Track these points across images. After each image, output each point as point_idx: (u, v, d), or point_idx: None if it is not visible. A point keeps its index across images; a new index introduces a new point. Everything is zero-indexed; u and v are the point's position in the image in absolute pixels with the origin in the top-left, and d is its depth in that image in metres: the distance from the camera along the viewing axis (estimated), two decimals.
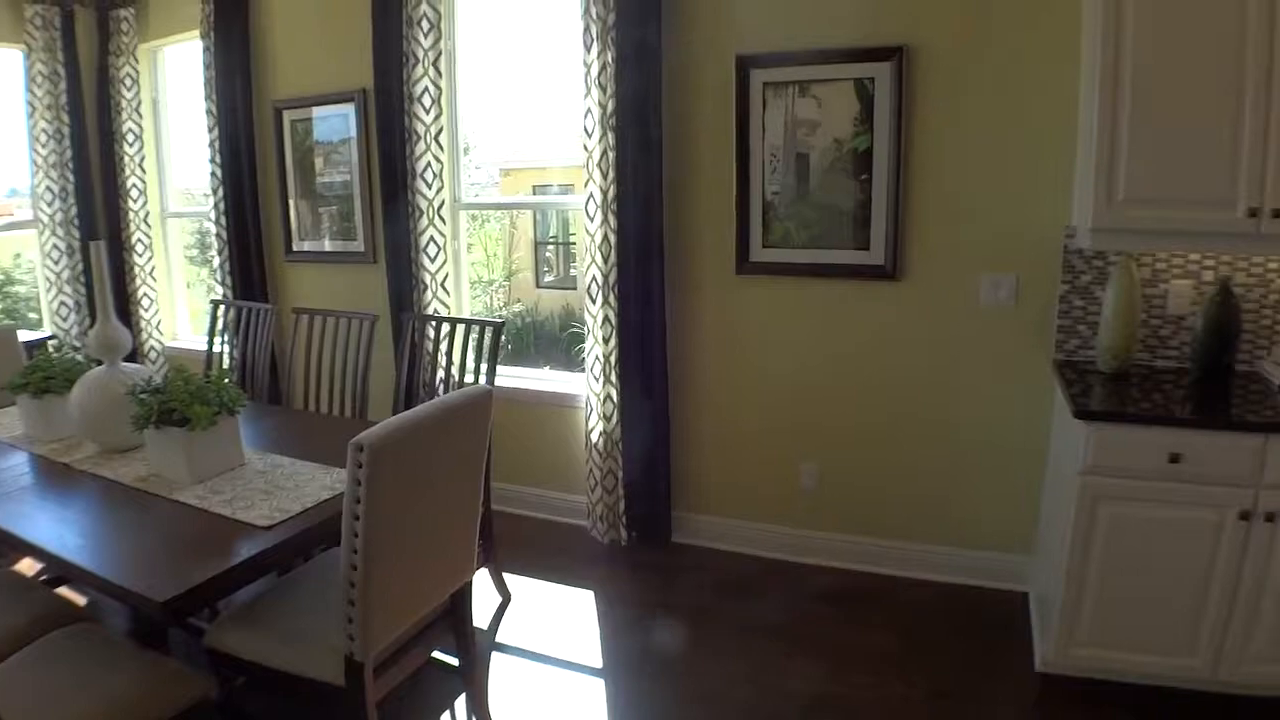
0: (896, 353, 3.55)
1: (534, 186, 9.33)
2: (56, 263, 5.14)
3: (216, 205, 4.86)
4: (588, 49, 3.62)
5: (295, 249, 4.81)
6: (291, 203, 4.76)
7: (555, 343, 8.05)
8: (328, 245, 4.69)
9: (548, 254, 9.89)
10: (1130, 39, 2.73)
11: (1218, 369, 3.02)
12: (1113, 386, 2.95)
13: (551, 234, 9.80)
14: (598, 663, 3.15)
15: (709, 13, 3.56)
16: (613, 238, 3.71)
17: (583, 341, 3.95)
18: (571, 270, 9.49)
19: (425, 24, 3.95)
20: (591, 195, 3.73)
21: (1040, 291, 3.30)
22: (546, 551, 3.99)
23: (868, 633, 3.28)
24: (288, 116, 4.64)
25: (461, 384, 3.50)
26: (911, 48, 3.29)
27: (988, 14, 3.22)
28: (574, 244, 9.27)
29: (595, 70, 3.61)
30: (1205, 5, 2.67)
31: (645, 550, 3.98)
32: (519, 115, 7.66)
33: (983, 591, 3.55)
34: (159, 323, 5.51)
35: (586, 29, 3.61)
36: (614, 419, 3.87)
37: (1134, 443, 2.66)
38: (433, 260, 4.20)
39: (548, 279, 9.71)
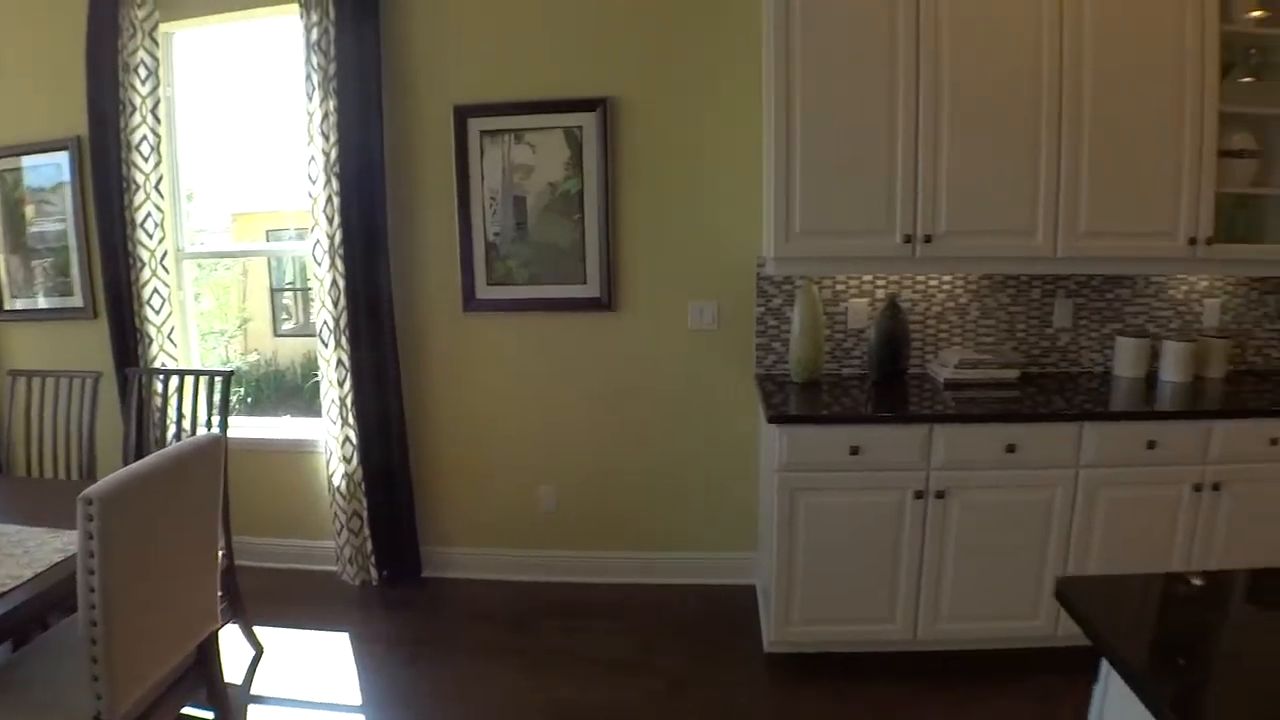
0: (618, 376, 3.83)
1: (267, 231, 9.04)
2: None
3: None
4: (310, 98, 3.68)
5: (7, 308, 4.50)
6: (1, 258, 4.46)
7: (297, 391, 7.83)
8: (43, 302, 4.42)
9: (285, 300, 9.59)
10: (799, 96, 3.18)
11: (893, 373, 3.49)
12: (805, 394, 3.35)
13: (288, 280, 9.52)
14: (357, 700, 3.17)
15: (428, 65, 3.73)
16: (341, 282, 3.78)
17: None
18: (312, 317, 9.21)
19: (143, 70, 3.85)
20: (319, 241, 3.78)
21: (739, 315, 3.70)
22: (298, 600, 3.95)
23: (612, 640, 3.50)
24: None
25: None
26: (615, 99, 3.61)
27: (683, 69, 3.61)
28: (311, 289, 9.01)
29: (318, 119, 3.67)
30: (862, 69, 3.16)
31: (397, 588, 4.02)
32: (248, 160, 7.48)
33: (716, 589, 3.89)
34: None
35: (308, 78, 3.66)
36: (354, 460, 3.91)
37: (821, 440, 3.05)
38: (157, 312, 4.07)
39: (286, 326, 9.38)
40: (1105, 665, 1.62)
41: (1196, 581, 1.78)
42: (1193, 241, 3.38)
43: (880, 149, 3.20)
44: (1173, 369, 3.59)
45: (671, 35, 3.60)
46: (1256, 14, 3.38)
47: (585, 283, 3.70)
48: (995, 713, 3.01)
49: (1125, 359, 3.65)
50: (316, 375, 4.00)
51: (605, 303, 3.71)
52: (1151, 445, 3.17)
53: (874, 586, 3.19)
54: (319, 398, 3.95)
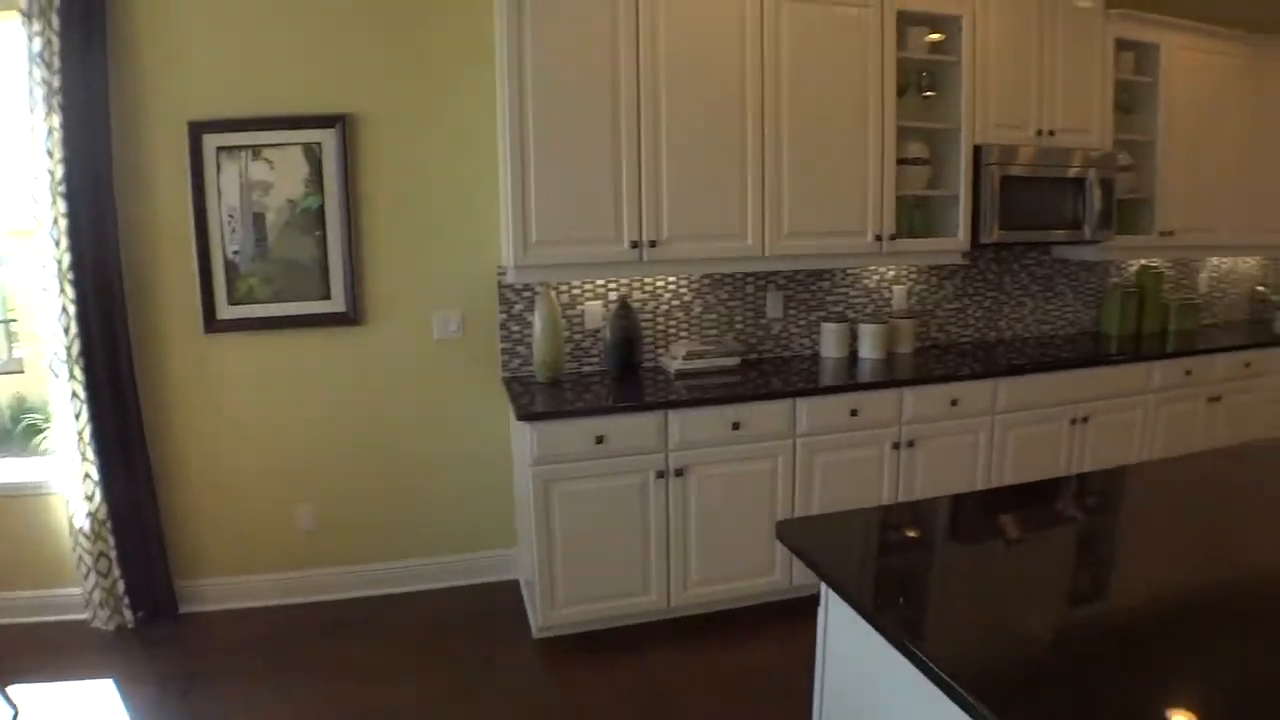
0: (369, 389, 3.89)
1: None
2: None
3: None
4: (33, 112, 3.50)
5: None
6: None
7: (6, 436, 7.10)
8: None
9: None
10: (532, 116, 3.41)
11: (629, 367, 3.80)
12: (550, 392, 3.58)
13: None
14: None
15: (158, 80, 3.62)
16: (72, 308, 3.61)
17: (43, 432, 3.75)
18: (16, 352, 8.32)
19: None
20: (44, 265, 3.61)
21: (484, 322, 3.89)
22: (48, 653, 3.70)
23: (386, 649, 3.57)
24: None
25: None
26: (354, 115, 3.70)
27: (423, 86, 3.75)
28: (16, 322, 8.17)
29: (43, 135, 3.50)
30: (590, 93, 3.47)
31: (155, 627, 3.86)
32: None
33: (482, 587, 4.06)
34: None
35: (31, 92, 3.48)
36: (96, 498, 3.74)
37: (569, 432, 3.29)
38: None
39: None
40: (824, 587, 1.93)
41: (901, 521, 2.17)
42: (879, 238, 3.93)
43: (608, 164, 3.51)
44: (869, 347, 4.13)
45: (411, 53, 3.72)
46: (933, 36, 3.99)
47: (330, 298, 3.74)
48: (744, 659, 3.40)
49: (829, 341, 4.16)
50: (28, 416, 3.79)
51: (351, 317, 3.78)
52: (855, 413, 3.65)
53: (628, 562, 3.47)
54: (36, 438, 3.74)
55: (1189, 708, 1.32)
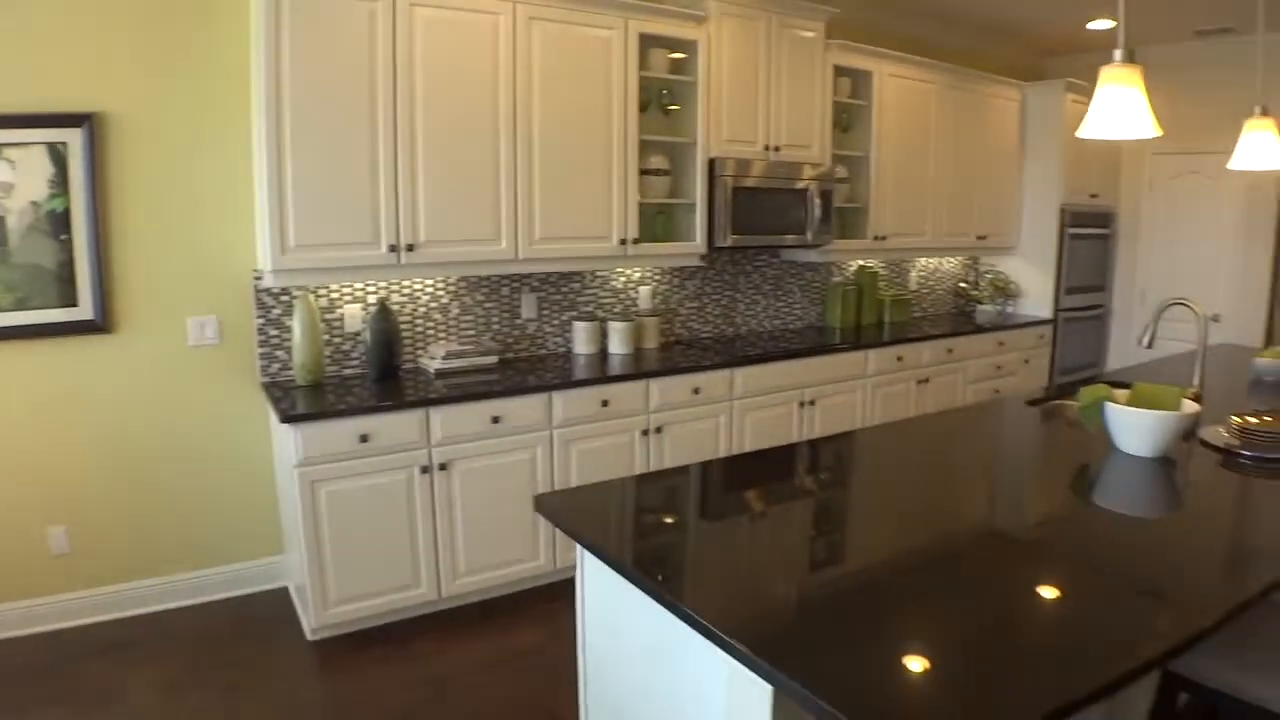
0: (122, 400, 3.78)
1: None
2: None
3: None
4: None
5: None
6: None
7: None
8: None
9: None
10: (289, 120, 3.46)
11: (390, 369, 3.95)
12: (312, 395, 3.67)
13: None
14: None
15: None
16: None
17: None
18: None
19: None
20: None
21: (241, 327, 3.88)
22: None
23: (156, 667, 3.47)
24: None
25: None
26: (103, 114, 3.57)
27: (177, 85, 3.67)
28: None
29: None
30: (347, 100, 3.56)
31: None
32: None
33: (252, 597, 4.04)
34: None
35: None
36: None
37: (333, 433, 3.41)
38: None
39: None
40: (580, 551, 2.20)
41: (651, 487, 2.49)
42: (624, 242, 4.30)
43: (366, 169, 3.63)
44: (618, 343, 4.50)
45: (164, 50, 3.65)
46: (674, 56, 4.38)
47: (77, 305, 3.64)
48: (513, 640, 3.66)
49: (581, 339, 4.49)
50: None
51: (101, 325, 3.66)
52: (606, 404, 4.00)
53: (398, 557, 3.63)
54: None
55: (921, 651, 1.53)
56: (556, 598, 3.90)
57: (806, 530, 2.26)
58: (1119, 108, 2.34)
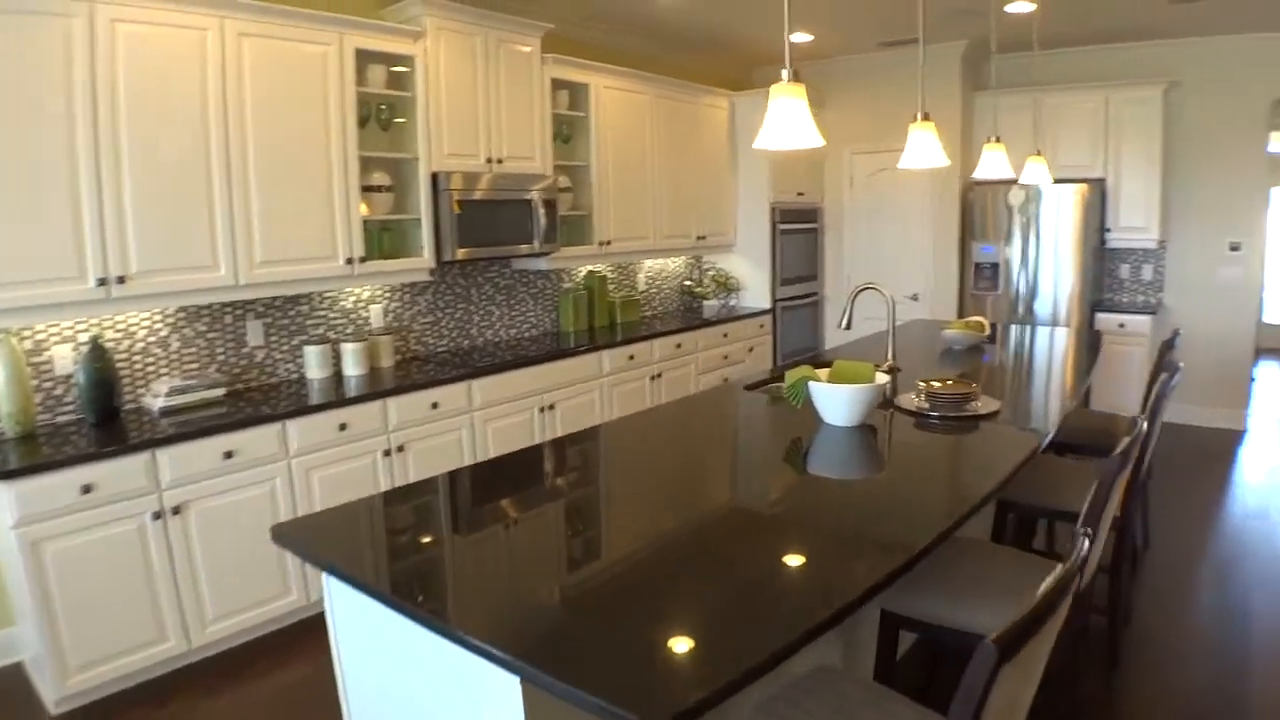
0: None
1: None
2: None
3: None
4: None
5: None
6: None
7: None
8: None
9: None
10: None
11: (110, 411, 3.83)
12: (23, 447, 3.48)
13: None
14: None
15: None
16: None
17: None
18: None
19: None
20: None
21: None
22: None
23: None
24: None
25: None
26: None
27: None
28: None
29: None
30: (40, 121, 3.39)
31: None
32: None
33: None
34: None
35: None
36: None
37: (51, 487, 3.26)
38: None
39: None
40: (326, 579, 2.32)
41: (396, 503, 2.63)
42: (350, 261, 4.39)
43: (66, 198, 3.48)
44: (353, 365, 4.60)
45: None
46: (394, 69, 4.49)
47: None
48: (279, 680, 3.66)
49: (314, 363, 4.55)
50: None
51: None
52: (344, 427, 4.10)
53: (139, 612, 3.52)
54: None
55: (684, 631, 1.76)
56: (318, 629, 3.89)
57: (552, 526, 2.51)
58: (788, 121, 2.63)
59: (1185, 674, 3.50)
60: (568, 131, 5.77)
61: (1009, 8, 5.83)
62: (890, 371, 4.27)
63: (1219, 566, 4.63)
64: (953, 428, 3.35)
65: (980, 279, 7.51)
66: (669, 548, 2.25)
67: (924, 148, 3.94)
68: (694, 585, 2.01)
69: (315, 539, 2.38)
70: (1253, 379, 7.62)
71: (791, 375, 3.43)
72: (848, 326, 4.36)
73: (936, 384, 3.60)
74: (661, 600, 1.93)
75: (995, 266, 7.41)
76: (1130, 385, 6.83)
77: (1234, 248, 7.29)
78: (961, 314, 7.49)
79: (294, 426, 3.95)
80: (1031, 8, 5.81)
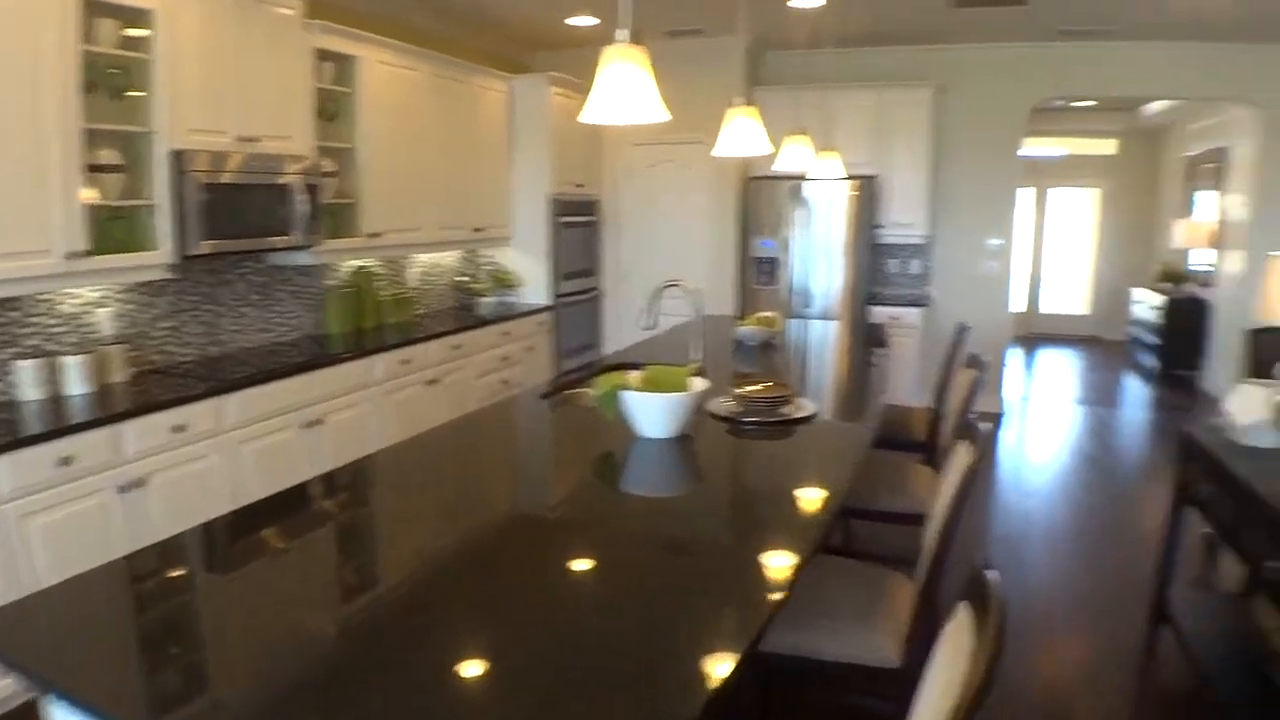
0: None
1: None
2: None
3: None
4: None
5: None
6: None
7: None
8: None
9: None
10: None
11: None
12: None
13: None
14: None
15: None
16: None
17: None
18: None
19: None
20: None
21: None
22: None
23: None
24: None
25: None
26: None
27: None
28: None
29: None
30: None
31: None
32: None
33: None
34: None
35: None
36: None
37: None
38: None
39: None
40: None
41: (139, 574, 2.03)
42: (70, 255, 3.63)
43: None
44: (76, 382, 3.83)
45: None
46: (128, 31, 3.75)
47: None
48: None
49: (27, 382, 3.73)
50: None
51: None
52: (67, 461, 3.37)
53: None
54: None
55: (478, 655, 1.59)
56: None
57: (362, 586, 2.03)
58: (625, 91, 2.26)
59: None
60: (333, 109, 5.17)
61: (796, 2, 5.76)
62: (699, 374, 4.05)
63: (1010, 546, 4.83)
64: (772, 433, 3.19)
65: (760, 273, 7.53)
66: (476, 574, 1.85)
67: (744, 134, 3.77)
68: (493, 626, 1.67)
69: (30, 641, 1.68)
70: (1004, 365, 8.11)
71: (604, 383, 3.10)
72: (653, 325, 4.13)
73: (751, 389, 3.41)
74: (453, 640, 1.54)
75: (774, 261, 7.45)
76: (903, 376, 7.01)
77: (993, 243, 7.74)
78: (742, 309, 7.47)
79: (1, 465, 3.19)
80: (820, 2, 5.77)
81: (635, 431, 3.03)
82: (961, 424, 2.88)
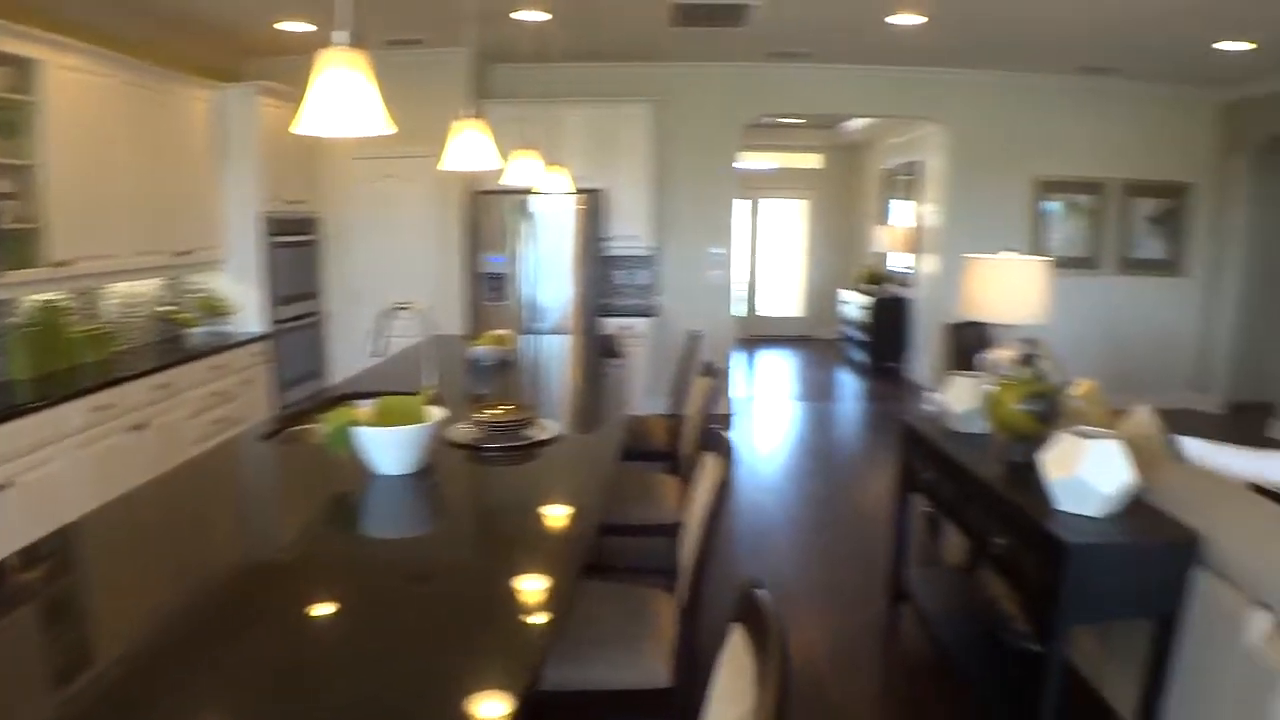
0: None
1: None
2: None
3: None
4: None
5: None
6: None
7: None
8: None
9: None
10: None
11: None
12: None
13: None
14: None
15: None
16: None
17: None
18: None
19: None
20: None
21: None
22: None
23: None
24: None
25: None
26: None
27: None
28: None
29: None
30: None
31: None
32: None
33: None
34: None
35: None
36: None
37: None
38: None
39: None
40: None
41: None
42: None
43: None
44: None
45: None
46: None
47: None
48: None
49: None
50: None
51: None
52: None
53: None
54: None
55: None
56: None
57: (42, 665, 1.76)
58: (344, 99, 2.04)
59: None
60: (11, 121, 4.55)
61: (520, 15, 5.72)
62: (436, 401, 3.89)
63: (751, 540, 5.03)
64: (518, 457, 3.09)
65: (489, 290, 7.44)
66: (210, 687, 1.59)
67: (473, 147, 3.66)
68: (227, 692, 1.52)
69: None
70: (730, 367, 8.50)
71: (332, 419, 2.87)
72: (384, 352, 3.94)
73: (492, 412, 3.30)
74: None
75: (503, 277, 7.38)
76: (637, 385, 7.14)
77: (714, 252, 8.11)
78: (474, 327, 7.34)
79: None
80: (545, 16, 5.75)
81: (371, 469, 2.80)
82: (707, 434, 2.88)
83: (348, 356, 7.35)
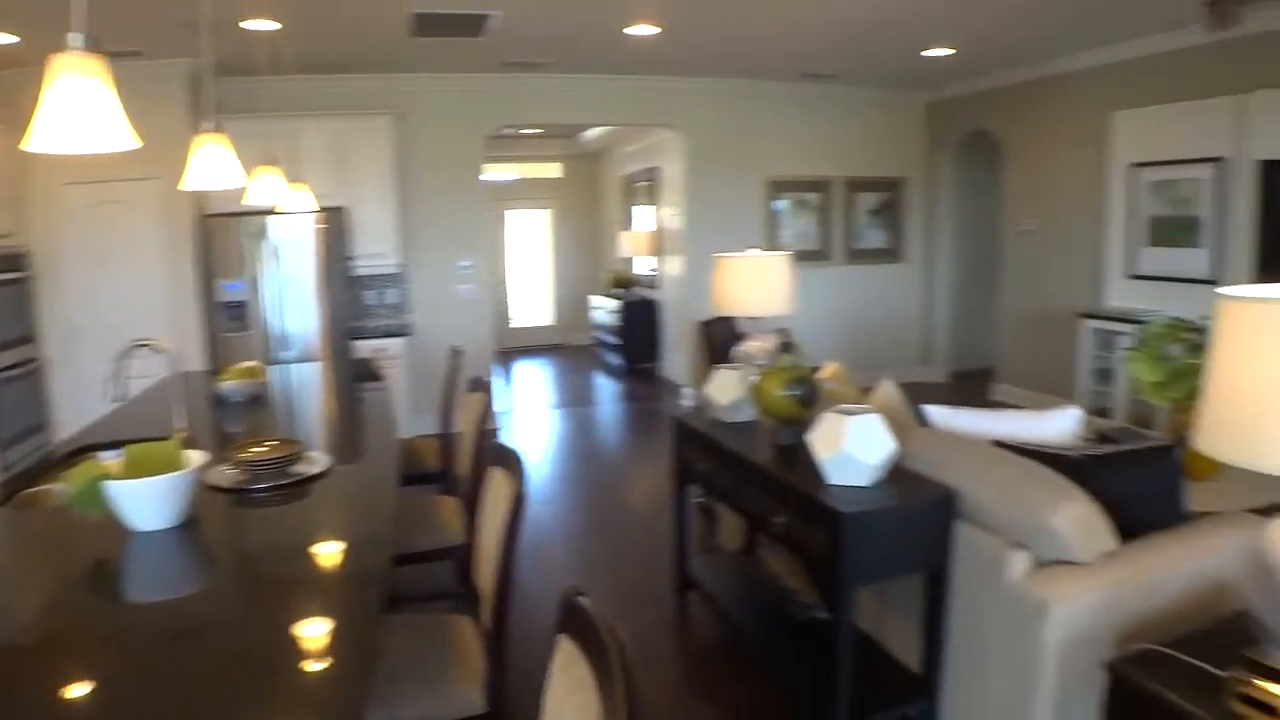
0: None
1: None
2: None
3: None
4: None
5: None
6: None
7: None
8: None
9: None
10: None
11: None
12: None
13: None
14: None
15: None
16: None
17: None
18: None
19: None
20: None
21: None
22: None
23: None
24: None
25: None
26: None
27: None
28: None
29: None
30: None
31: None
32: None
33: None
34: None
35: None
36: None
37: None
38: None
39: None
40: None
41: None
42: None
43: None
44: None
45: None
46: None
47: None
48: None
49: None
50: None
51: None
52: None
53: None
54: None
55: None
56: None
57: None
58: (83, 112, 1.82)
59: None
60: None
61: (249, 24, 5.46)
62: (190, 444, 3.62)
63: (531, 553, 5.05)
64: (290, 495, 2.90)
65: (229, 319, 7.02)
66: None
67: (216, 164, 3.48)
68: None
69: None
70: (491, 380, 8.47)
71: (75, 477, 2.63)
72: (124, 397, 3.67)
73: (256, 450, 3.13)
74: None
75: (243, 304, 6.99)
76: (399, 407, 6.96)
77: (463, 265, 8.10)
78: (216, 360, 6.88)
79: None
80: (275, 26, 5.53)
81: (128, 527, 2.54)
82: (492, 449, 2.86)
83: (77, 405, 6.60)
